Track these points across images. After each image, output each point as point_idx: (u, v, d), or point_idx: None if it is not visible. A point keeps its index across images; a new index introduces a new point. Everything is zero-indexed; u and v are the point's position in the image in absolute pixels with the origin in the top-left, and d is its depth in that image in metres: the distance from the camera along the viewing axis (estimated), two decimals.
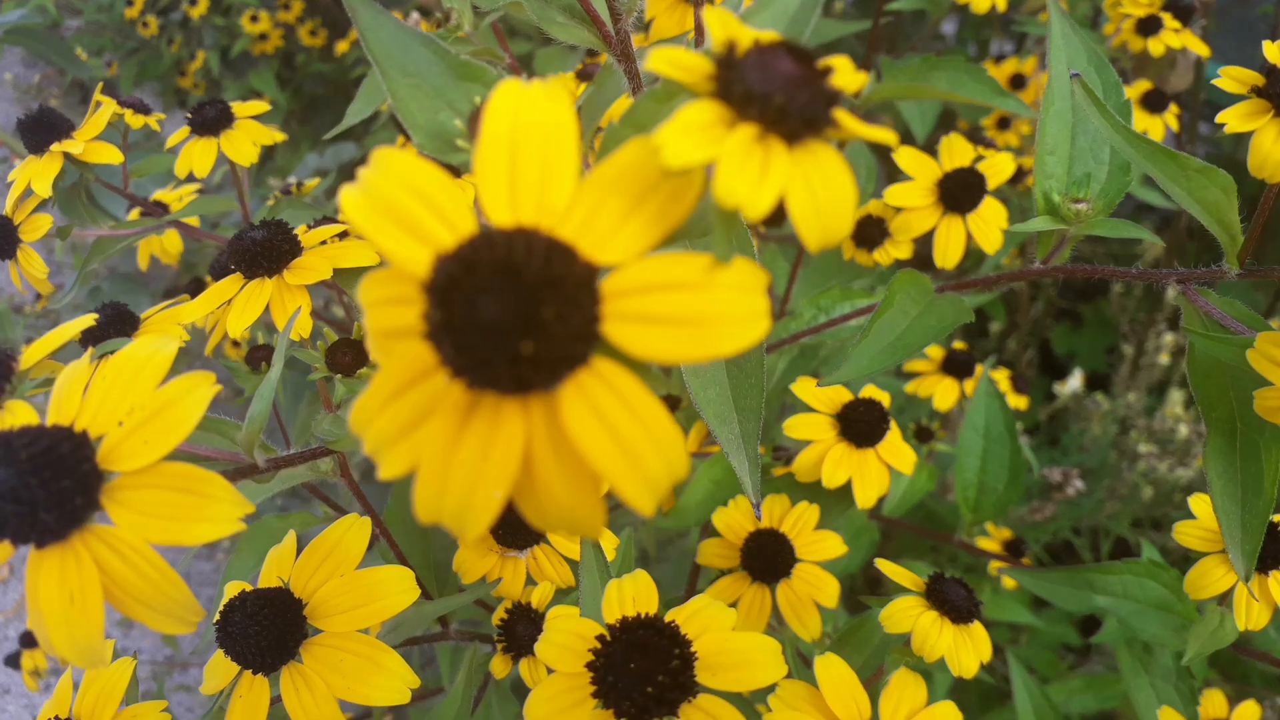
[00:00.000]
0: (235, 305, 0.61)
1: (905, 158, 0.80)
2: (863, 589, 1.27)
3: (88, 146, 0.74)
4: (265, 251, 0.62)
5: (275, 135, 0.84)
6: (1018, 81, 1.46)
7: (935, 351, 1.05)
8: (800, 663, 0.67)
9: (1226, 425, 0.57)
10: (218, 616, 0.48)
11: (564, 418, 0.24)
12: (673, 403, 0.83)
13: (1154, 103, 1.18)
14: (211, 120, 0.81)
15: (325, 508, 0.77)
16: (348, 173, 2.01)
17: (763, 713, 0.54)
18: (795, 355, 0.92)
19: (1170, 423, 1.36)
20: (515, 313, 0.23)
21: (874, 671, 0.63)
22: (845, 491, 0.70)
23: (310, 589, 0.49)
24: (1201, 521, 0.65)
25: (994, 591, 1.09)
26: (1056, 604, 0.80)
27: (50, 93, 3.07)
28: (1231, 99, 0.58)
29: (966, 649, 0.58)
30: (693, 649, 0.44)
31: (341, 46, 2.31)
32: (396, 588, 0.48)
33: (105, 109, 0.77)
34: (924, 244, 0.83)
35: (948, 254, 0.79)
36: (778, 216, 0.27)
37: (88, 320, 0.57)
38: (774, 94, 0.25)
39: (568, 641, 0.46)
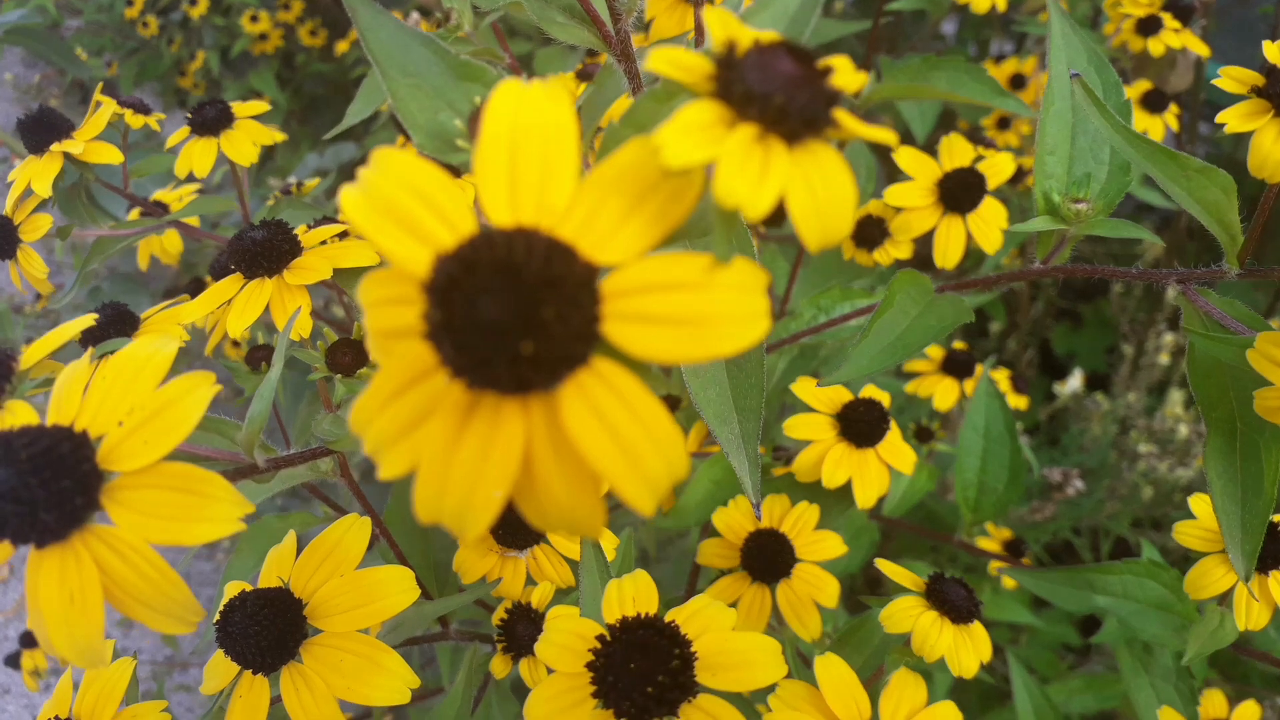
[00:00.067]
0: (235, 305, 0.61)
1: (905, 158, 0.80)
2: (863, 589, 1.27)
3: (88, 146, 0.74)
4: (265, 251, 0.62)
5: (275, 135, 0.84)
6: (1018, 81, 1.46)
7: (935, 351, 1.05)
8: (800, 663, 0.67)
9: (1226, 425, 0.57)
10: (218, 616, 0.48)
11: (564, 418, 0.24)
12: (673, 403, 0.83)
13: (1154, 103, 1.18)
14: (211, 120, 0.81)
15: (325, 508, 0.77)
16: (348, 173, 2.01)
17: (763, 713, 0.54)
18: (795, 355, 0.92)
19: (1170, 423, 1.36)
20: (515, 313, 0.23)
21: (874, 671, 0.63)
22: (845, 491, 0.70)
23: (310, 589, 0.49)
24: (1201, 521, 0.65)
25: (994, 591, 1.09)
26: (1056, 604, 0.80)
27: (50, 93, 3.07)
28: (1231, 99, 0.58)
29: (966, 649, 0.58)
30: (693, 649, 0.44)
31: (341, 46, 2.31)
32: (396, 588, 0.48)
33: (105, 109, 0.77)
34: (924, 244, 0.83)
35: (948, 254, 0.79)
36: (778, 216, 0.27)
37: (88, 320, 0.57)
38: (774, 94, 0.25)
39: (568, 641, 0.46)
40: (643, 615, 0.46)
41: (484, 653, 0.70)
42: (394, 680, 0.46)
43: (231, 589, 0.49)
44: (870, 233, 0.93)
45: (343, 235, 0.65)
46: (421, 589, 0.57)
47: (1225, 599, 0.65)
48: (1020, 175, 1.21)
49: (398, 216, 0.26)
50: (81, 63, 2.71)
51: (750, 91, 0.25)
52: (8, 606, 1.86)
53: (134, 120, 0.83)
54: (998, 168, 0.81)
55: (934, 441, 1.04)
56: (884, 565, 0.62)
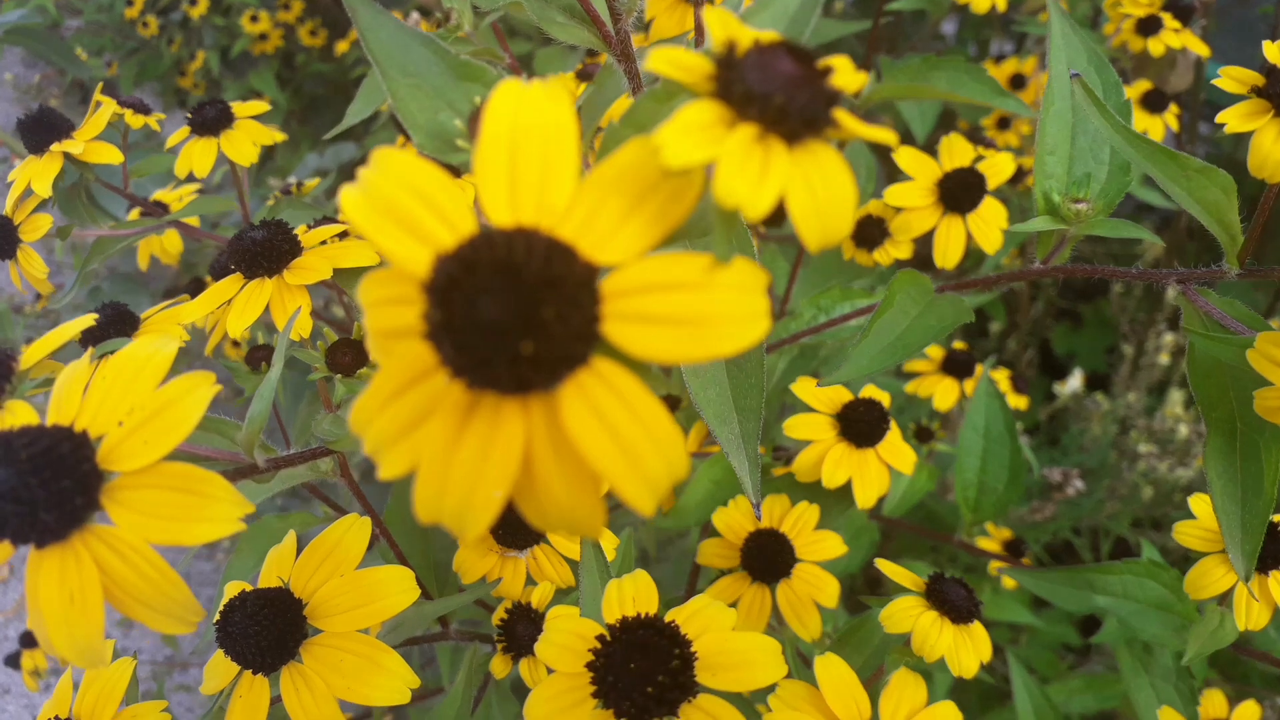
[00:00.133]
0: (235, 305, 0.61)
1: (905, 158, 0.80)
2: (863, 589, 1.27)
3: (88, 146, 0.74)
4: (265, 251, 0.62)
5: (275, 135, 0.84)
6: (1018, 81, 1.46)
7: (935, 351, 1.05)
8: (800, 663, 0.67)
9: (1226, 425, 0.57)
10: (218, 616, 0.48)
11: (564, 418, 0.24)
12: (673, 403, 0.83)
13: (1154, 103, 1.18)
14: (211, 120, 0.81)
15: (325, 508, 0.77)
16: (348, 173, 2.01)
17: (763, 713, 0.54)
18: (795, 355, 0.92)
19: (1170, 423, 1.36)
20: (515, 313, 0.23)
21: (874, 671, 0.63)
22: (845, 491, 0.70)
23: (310, 589, 0.49)
24: (1201, 521, 0.65)
25: (994, 591, 1.09)
26: (1056, 604, 0.80)
27: (50, 93, 3.07)
28: (1231, 99, 0.58)
29: (966, 649, 0.58)
30: (693, 649, 0.44)
31: (341, 46, 2.31)
32: (396, 588, 0.48)
33: (105, 109, 0.77)
34: (924, 244, 0.83)
35: (948, 254, 0.79)
36: (778, 216, 0.27)
37: (88, 320, 0.57)
38: (774, 94, 0.25)
39: (568, 641, 0.46)
40: (643, 615, 0.46)
41: (484, 653, 0.70)
42: (394, 680, 0.46)
43: (231, 589, 0.49)
44: (870, 233, 0.93)
45: (343, 235, 0.65)
46: (421, 589, 0.57)
47: (1225, 599, 0.65)
48: (1020, 175, 1.21)
49: (398, 216, 0.26)
50: (81, 63, 2.71)
51: (750, 91, 0.25)
52: (8, 606, 1.86)
53: (134, 120, 0.83)
54: (998, 168, 0.81)
55: (934, 441, 1.04)
56: (884, 565, 0.62)
